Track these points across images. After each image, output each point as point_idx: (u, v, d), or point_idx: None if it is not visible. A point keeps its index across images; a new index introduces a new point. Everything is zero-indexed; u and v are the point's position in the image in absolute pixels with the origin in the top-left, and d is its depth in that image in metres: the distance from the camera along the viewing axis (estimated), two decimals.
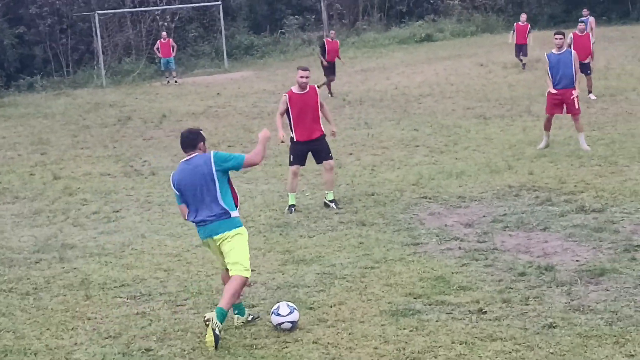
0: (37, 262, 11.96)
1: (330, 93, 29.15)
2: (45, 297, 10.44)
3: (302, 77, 14.02)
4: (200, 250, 12.00)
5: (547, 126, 17.91)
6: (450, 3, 55.37)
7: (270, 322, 8.95)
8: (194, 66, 46.55)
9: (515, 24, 33.48)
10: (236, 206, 9.15)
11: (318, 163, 14.49)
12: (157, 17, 49.70)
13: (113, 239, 13.03)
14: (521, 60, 32.43)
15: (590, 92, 24.32)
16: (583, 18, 29.81)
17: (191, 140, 9.05)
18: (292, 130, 14.23)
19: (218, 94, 32.75)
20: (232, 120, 25.48)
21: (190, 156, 9.00)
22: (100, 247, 12.60)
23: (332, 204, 14.16)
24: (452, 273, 10.32)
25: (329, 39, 31.09)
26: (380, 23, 54.60)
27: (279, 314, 8.86)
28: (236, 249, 8.90)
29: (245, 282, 8.97)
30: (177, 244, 12.53)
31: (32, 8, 47.84)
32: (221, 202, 8.91)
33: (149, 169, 18.58)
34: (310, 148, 14.26)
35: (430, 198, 14.39)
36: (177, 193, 9.07)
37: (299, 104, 14.09)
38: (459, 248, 11.39)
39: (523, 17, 33.56)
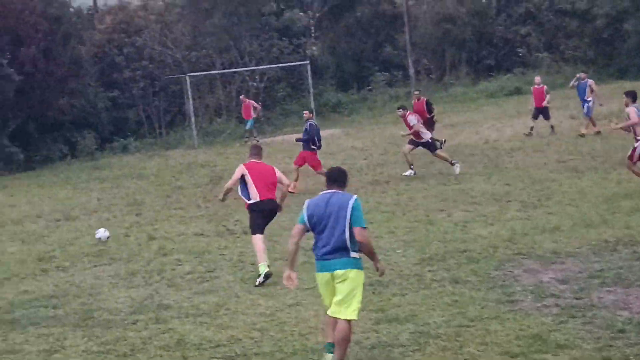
0: (133, 323, 12.11)
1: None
2: (142, 358, 10.55)
3: None
4: (294, 309, 12.03)
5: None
6: (538, 55, 55.05)
7: None
8: (283, 125, 47.00)
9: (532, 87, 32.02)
10: None
11: None
12: (247, 78, 50.39)
13: (207, 299, 13.13)
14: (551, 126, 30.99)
15: None
16: None
17: (341, 178, 9.67)
18: None
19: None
20: (322, 178, 25.52)
21: (332, 191, 9.54)
22: (195, 308, 12.69)
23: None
24: (550, 331, 10.16)
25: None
26: (468, 77, 54.51)
27: None
28: (350, 290, 9.28)
29: (349, 331, 9.29)
30: (270, 304, 12.56)
31: (126, 72, 48.98)
32: (347, 242, 9.25)
33: (241, 228, 18.70)
34: None
35: (524, 254, 14.22)
36: (305, 215, 9.50)
37: None
38: (556, 305, 11.21)
39: (537, 79, 32.23)
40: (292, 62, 50.27)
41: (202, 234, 18.60)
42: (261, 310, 12.23)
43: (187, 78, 45.34)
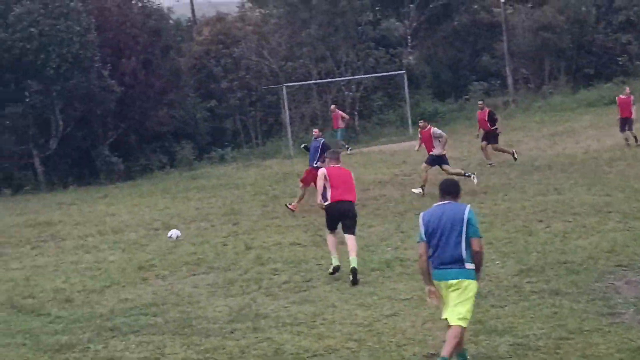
0: (231, 332, 12.20)
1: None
2: None
3: None
4: (391, 320, 11.99)
5: None
6: (639, 64, 54.03)
7: None
8: (379, 134, 46.96)
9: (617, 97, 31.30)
10: None
11: None
12: (343, 88, 50.52)
13: (304, 309, 13.17)
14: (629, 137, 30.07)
15: None
16: None
17: (455, 189, 10.05)
18: None
19: (404, 161, 32.85)
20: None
21: (445, 202, 9.88)
22: (292, 317, 12.74)
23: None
24: None
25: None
26: (567, 86, 53.71)
27: None
28: (462, 299, 9.55)
29: (461, 332, 9.58)
30: (367, 314, 12.54)
31: (223, 82, 49.57)
32: (463, 252, 9.53)
33: (337, 238, 18.70)
34: None
35: (625, 266, 13.95)
36: (423, 230, 9.75)
37: None
38: None
39: (627, 89, 31.53)
40: (388, 71, 50.26)
41: (298, 244, 18.67)
42: (358, 321, 12.22)
43: (284, 88, 45.67)
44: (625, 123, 30.03)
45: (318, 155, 23.24)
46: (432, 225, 9.68)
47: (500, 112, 47.53)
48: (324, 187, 15.40)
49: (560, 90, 52.94)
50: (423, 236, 9.76)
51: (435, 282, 9.73)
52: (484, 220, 18.86)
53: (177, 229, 22.07)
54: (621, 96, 30.80)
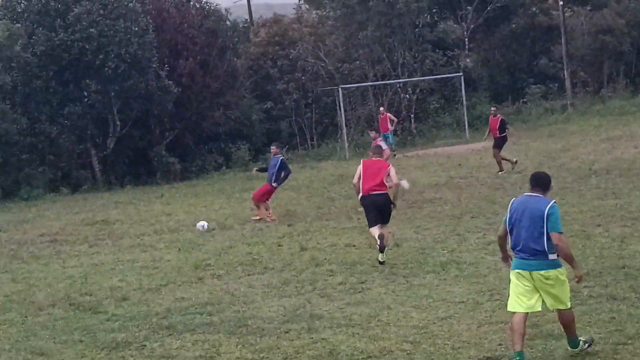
0: (286, 332, 12.22)
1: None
2: None
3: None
4: (447, 322, 11.94)
5: None
6: None
7: None
8: (435, 137, 46.82)
9: None
10: None
11: None
12: (399, 90, 50.43)
13: (359, 310, 13.15)
14: None
15: None
16: None
17: (545, 182, 10.27)
18: None
19: (460, 164, 32.73)
20: (474, 191, 25.31)
21: (533, 194, 10.13)
22: (347, 318, 12.73)
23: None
24: None
25: (491, 117, 30.68)
26: (626, 90, 53.12)
27: None
28: (559, 288, 9.91)
29: (572, 314, 10.15)
30: (422, 316, 12.49)
31: (279, 84, 49.71)
32: (544, 244, 9.81)
33: (392, 240, 18.68)
34: None
35: None
36: (509, 215, 10.13)
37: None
38: None
39: None
40: (445, 74, 50.10)
41: (353, 245, 18.65)
42: (413, 323, 12.17)
43: (340, 90, 45.68)
44: None
45: (275, 172, 23.37)
46: (516, 215, 10.04)
47: (557, 116, 47.39)
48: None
49: (619, 94, 52.38)
50: (506, 220, 10.19)
51: (517, 270, 10.03)
52: None
53: (232, 229, 22.20)
54: None
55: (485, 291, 13.46)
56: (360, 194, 16.52)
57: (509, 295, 10.24)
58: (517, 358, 9.73)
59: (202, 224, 22.54)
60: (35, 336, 13.23)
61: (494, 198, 23.24)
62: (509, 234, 10.19)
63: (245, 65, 51.06)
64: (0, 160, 38.30)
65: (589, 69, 55.76)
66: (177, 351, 11.76)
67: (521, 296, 9.97)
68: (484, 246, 16.85)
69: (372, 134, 25.39)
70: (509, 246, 10.42)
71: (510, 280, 10.22)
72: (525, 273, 9.91)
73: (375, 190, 16.23)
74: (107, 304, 15.01)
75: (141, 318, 13.74)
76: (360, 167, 16.65)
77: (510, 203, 10.25)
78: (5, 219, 29.60)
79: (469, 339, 11.12)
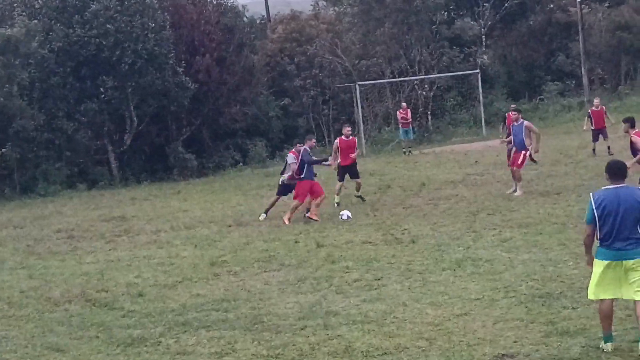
0: (302, 329, 12.22)
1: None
2: None
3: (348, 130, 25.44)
4: (462, 319, 11.91)
5: None
6: None
7: None
8: (452, 134, 46.77)
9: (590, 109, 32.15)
10: None
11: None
12: (416, 87, 50.37)
13: (375, 307, 13.13)
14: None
15: None
16: None
17: (624, 172, 10.33)
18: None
19: (476, 161, 32.67)
20: (491, 188, 25.25)
21: (620, 185, 10.13)
22: (363, 315, 12.71)
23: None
24: None
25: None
26: None
27: None
28: None
29: None
30: (438, 313, 12.47)
31: (297, 81, 49.72)
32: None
33: (409, 237, 18.64)
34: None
35: None
36: (593, 212, 10.09)
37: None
38: None
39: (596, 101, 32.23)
40: (462, 71, 50.01)
41: (369, 242, 18.62)
42: (429, 320, 12.15)
43: (357, 86, 45.69)
44: (598, 133, 30.91)
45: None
46: (608, 208, 9.99)
47: (575, 113, 47.24)
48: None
49: (636, 91, 52.21)
50: (591, 218, 10.12)
51: (607, 261, 10.02)
52: (556, 222, 18.69)
53: (249, 225, 22.21)
54: (592, 108, 31.87)
55: (501, 288, 13.42)
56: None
57: (589, 285, 10.34)
58: (608, 342, 10.11)
59: (346, 212, 22.36)
60: (51, 332, 13.27)
61: (509, 195, 23.18)
62: (598, 230, 10.11)
63: (262, 62, 51.10)
64: (18, 156, 38.40)
65: (606, 65, 55.60)
66: (192, 347, 11.77)
67: (609, 285, 10.09)
68: (499, 243, 16.81)
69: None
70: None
71: (594, 271, 10.22)
72: (618, 262, 9.98)
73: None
74: (123, 300, 15.05)
75: (157, 314, 13.77)
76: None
77: (594, 200, 10.15)
78: (23, 215, 29.70)
79: (484, 335, 11.09)
